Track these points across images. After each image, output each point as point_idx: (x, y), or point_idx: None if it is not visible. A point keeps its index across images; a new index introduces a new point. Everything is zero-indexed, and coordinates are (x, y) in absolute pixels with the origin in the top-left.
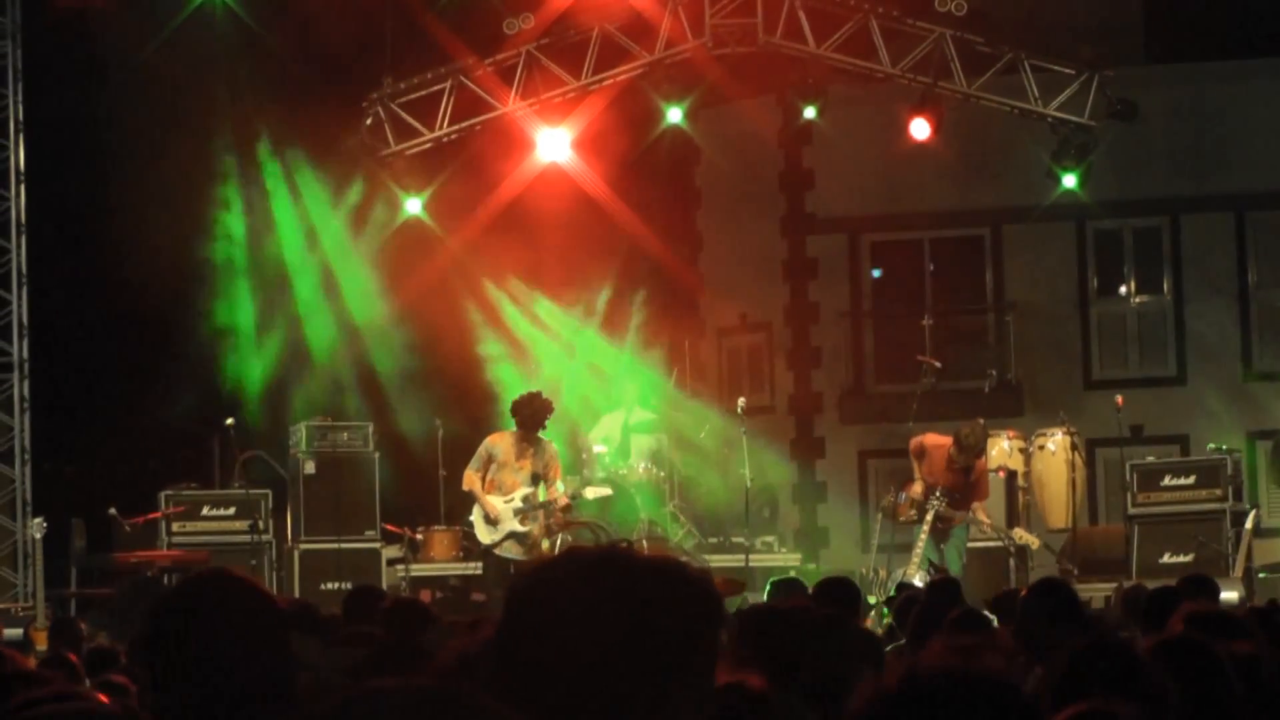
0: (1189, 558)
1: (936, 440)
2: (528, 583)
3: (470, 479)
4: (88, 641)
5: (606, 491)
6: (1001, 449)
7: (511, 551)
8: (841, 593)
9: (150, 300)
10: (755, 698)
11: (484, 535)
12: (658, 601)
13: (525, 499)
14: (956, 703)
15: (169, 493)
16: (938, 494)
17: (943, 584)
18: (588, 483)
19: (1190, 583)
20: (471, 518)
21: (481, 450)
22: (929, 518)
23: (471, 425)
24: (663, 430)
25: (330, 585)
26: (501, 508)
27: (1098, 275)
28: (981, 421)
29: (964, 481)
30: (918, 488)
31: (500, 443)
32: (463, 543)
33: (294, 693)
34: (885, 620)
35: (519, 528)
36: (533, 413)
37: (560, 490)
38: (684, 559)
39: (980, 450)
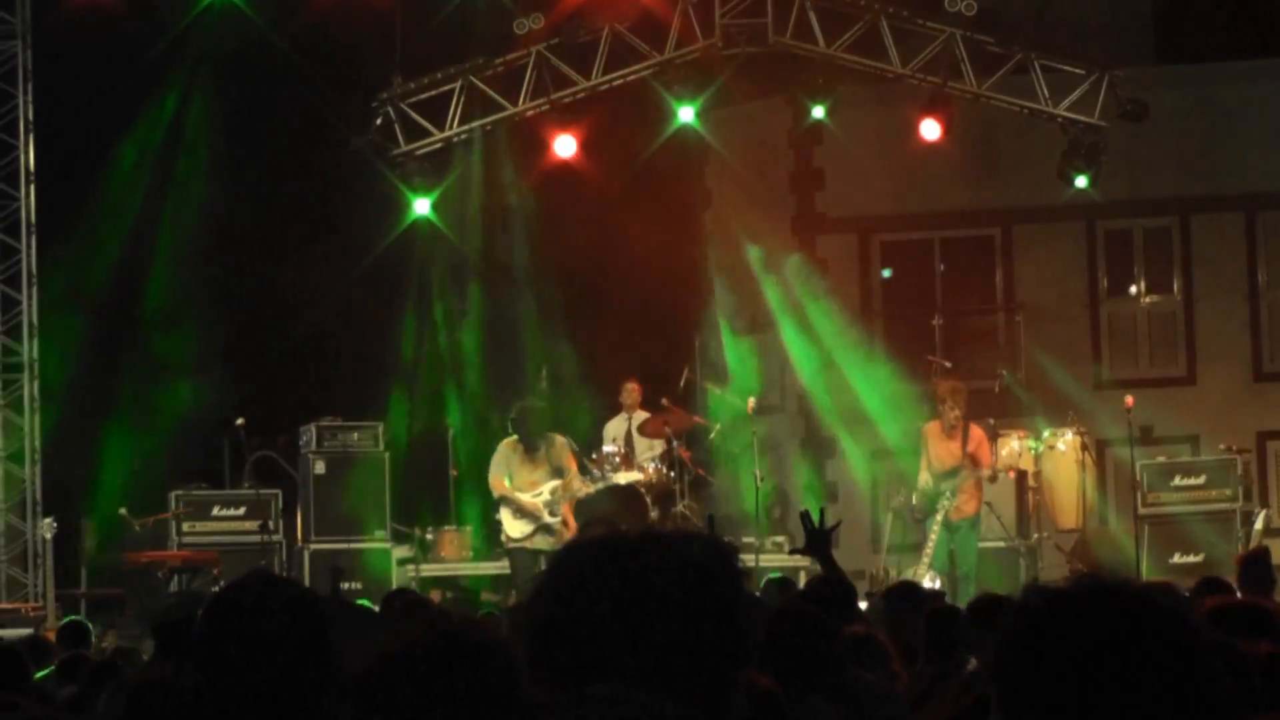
0: (1199, 558)
1: (929, 426)
2: (555, 568)
3: (497, 482)
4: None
5: (637, 476)
6: (1011, 449)
7: (542, 544)
8: (831, 592)
9: (160, 300)
10: (765, 696)
11: (514, 530)
12: (673, 574)
13: (554, 491)
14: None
15: (179, 493)
16: (948, 494)
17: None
18: (598, 482)
19: (1207, 584)
20: (499, 516)
21: (499, 455)
22: (939, 517)
23: (482, 424)
24: (671, 430)
25: (340, 585)
26: (532, 502)
27: (1108, 275)
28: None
29: (964, 454)
30: (924, 476)
31: (508, 448)
32: (473, 543)
33: (334, 690)
34: None
35: (549, 519)
36: (525, 424)
37: (578, 481)
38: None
39: (958, 397)
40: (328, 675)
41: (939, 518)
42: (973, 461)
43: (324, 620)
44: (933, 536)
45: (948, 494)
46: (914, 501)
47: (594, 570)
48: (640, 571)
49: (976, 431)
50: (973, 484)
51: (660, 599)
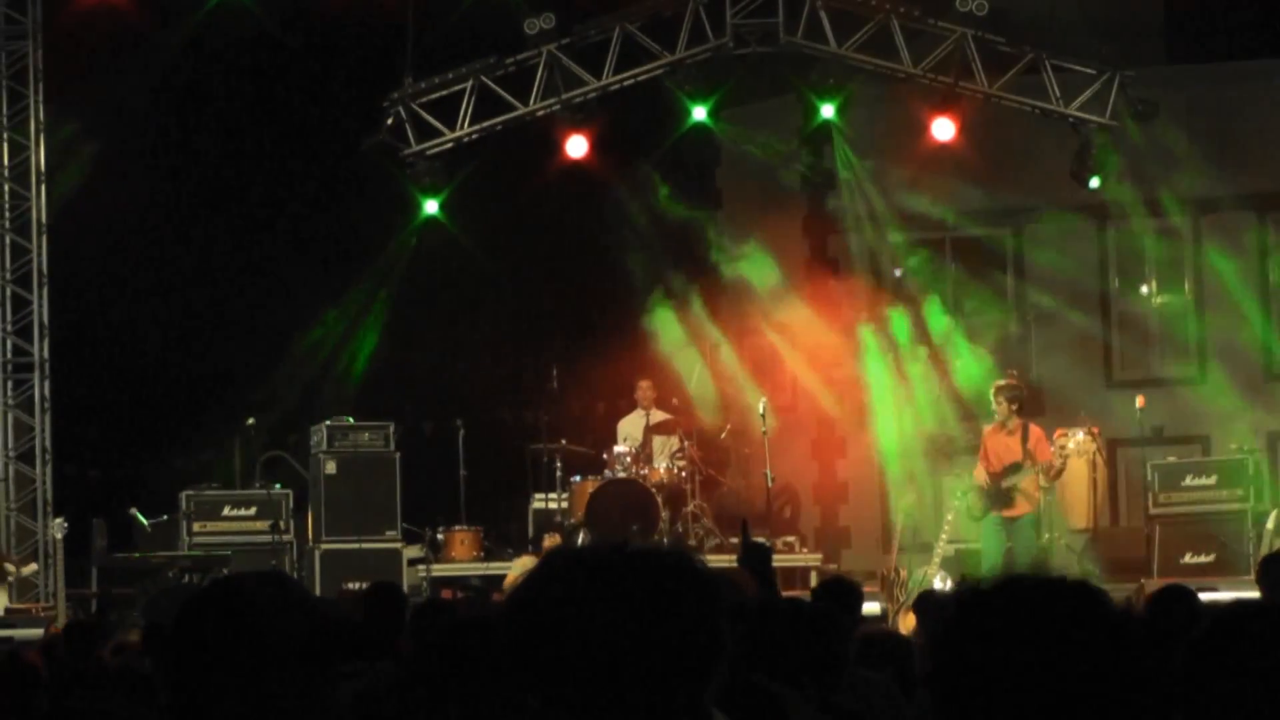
0: (1210, 558)
1: (988, 428)
2: (529, 584)
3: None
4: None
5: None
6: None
7: None
8: (840, 592)
9: (169, 299)
10: (766, 696)
11: None
12: (660, 595)
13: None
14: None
15: (189, 492)
16: (958, 494)
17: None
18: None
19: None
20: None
21: (518, 566)
22: (949, 518)
23: (492, 426)
24: (683, 430)
25: (351, 585)
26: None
27: (1119, 275)
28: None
29: (1023, 450)
30: (980, 473)
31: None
32: (484, 543)
33: (327, 704)
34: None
35: None
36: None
37: None
38: (690, 554)
39: (1002, 395)
40: (318, 692)
41: (949, 517)
42: (1031, 458)
43: (321, 633)
44: (942, 537)
45: (959, 493)
46: (971, 500)
47: (569, 581)
48: (611, 585)
49: (1035, 429)
50: (1031, 481)
51: (626, 612)
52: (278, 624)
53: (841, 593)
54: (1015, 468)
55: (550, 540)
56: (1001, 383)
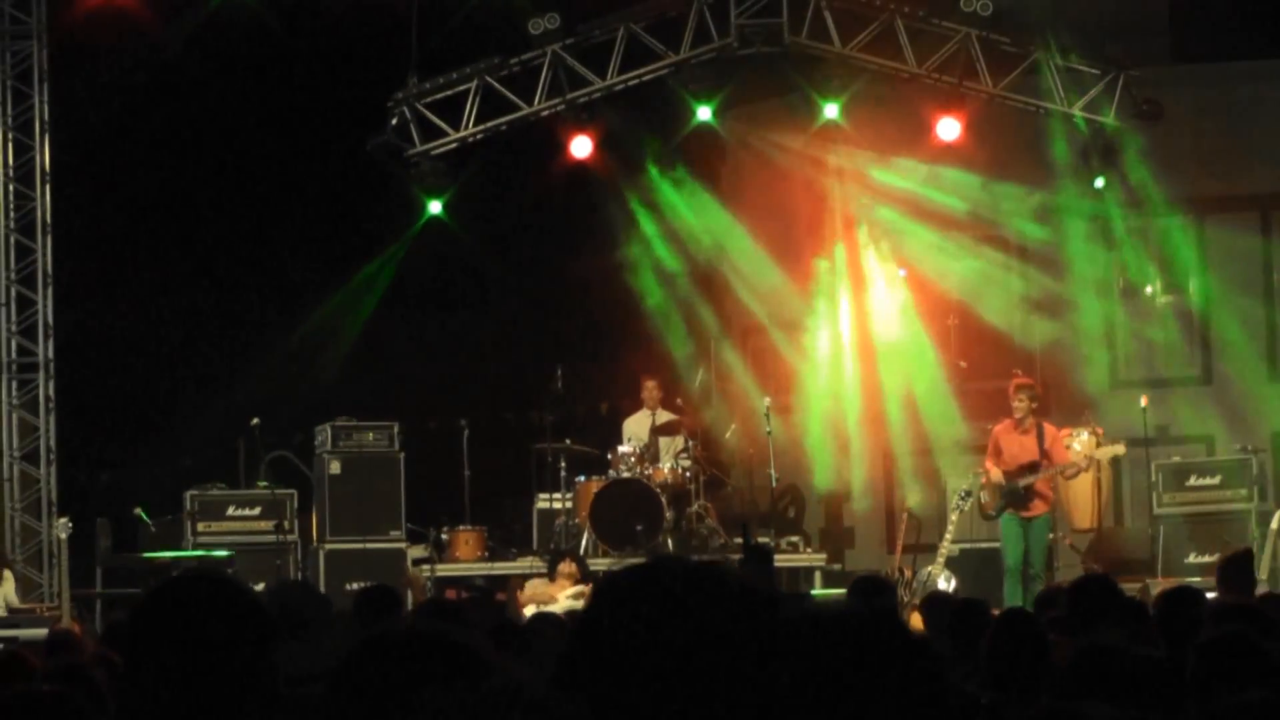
0: (1214, 558)
1: (1001, 426)
2: (614, 584)
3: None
4: None
5: None
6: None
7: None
8: (873, 589)
9: (174, 299)
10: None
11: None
12: (728, 610)
13: (577, 595)
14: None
15: (193, 492)
16: (962, 493)
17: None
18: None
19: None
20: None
21: (528, 594)
22: (954, 518)
23: (496, 426)
24: (688, 430)
25: (355, 585)
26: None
27: (1123, 274)
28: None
29: (1039, 450)
30: (995, 471)
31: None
32: (488, 543)
33: (275, 698)
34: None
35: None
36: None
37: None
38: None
39: (1022, 393)
40: (265, 685)
41: (954, 518)
42: (1048, 458)
43: (266, 627)
44: (947, 537)
45: (962, 494)
46: (984, 498)
47: (635, 592)
48: (677, 600)
49: (1051, 429)
50: (1046, 481)
51: (690, 627)
52: (217, 618)
53: (874, 590)
54: (1033, 467)
55: (566, 566)
56: (1022, 381)
